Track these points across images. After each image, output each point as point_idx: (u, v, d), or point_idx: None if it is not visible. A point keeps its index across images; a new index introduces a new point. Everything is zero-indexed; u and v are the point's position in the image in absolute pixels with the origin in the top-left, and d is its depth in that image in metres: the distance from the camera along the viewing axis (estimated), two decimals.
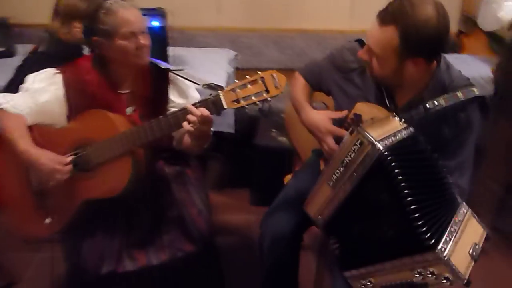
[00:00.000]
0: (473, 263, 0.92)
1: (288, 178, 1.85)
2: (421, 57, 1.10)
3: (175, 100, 1.38)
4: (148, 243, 1.32)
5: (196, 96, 1.40)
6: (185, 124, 1.13)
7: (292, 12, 2.89)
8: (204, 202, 1.45)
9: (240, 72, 2.74)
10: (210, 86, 1.23)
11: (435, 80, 1.19)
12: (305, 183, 1.42)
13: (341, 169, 1.08)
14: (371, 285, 1.06)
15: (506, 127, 1.85)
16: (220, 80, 2.01)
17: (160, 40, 1.98)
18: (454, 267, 0.89)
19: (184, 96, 1.39)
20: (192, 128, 1.12)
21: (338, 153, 1.11)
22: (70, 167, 1.24)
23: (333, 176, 1.11)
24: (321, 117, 1.32)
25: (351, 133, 1.08)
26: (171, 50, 2.11)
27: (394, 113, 1.18)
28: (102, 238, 1.28)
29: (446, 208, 1.00)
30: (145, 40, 1.27)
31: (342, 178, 1.09)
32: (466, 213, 1.04)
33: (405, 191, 0.95)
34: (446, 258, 0.89)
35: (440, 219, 0.96)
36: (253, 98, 1.09)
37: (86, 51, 1.52)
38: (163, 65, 1.37)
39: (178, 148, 1.40)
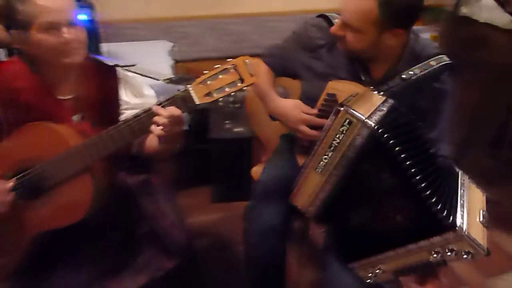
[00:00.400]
0: (486, 230, 0.89)
1: (256, 170, 1.75)
2: (400, 28, 1.06)
3: (130, 100, 1.20)
4: (121, 268, 1.14)
5: (151, 94, 1.24)
6: (153, 128, 0.97)
7: None
8: (176, 210, 1.30)
9: (179, 64, 2.56)
10: (173, 80, 1.07)
11: (408, 50, 1.17)
12: (283, 170, 1.35)
13: (330, 154, 1.02)
14: (381, 272, 1.00)
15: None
16: (166, 75, 1.83)
17: (91, 36, 1.73)
18: (475, 241, 0.85)
19: (139, 95, 1.21)
20: (162, 132, 0.97)
21: (323, 137, 1.03)
22: (11, 195, 1.02)
23: (321, 162, 1.04)
24: (290, 105, 1.25)
25: (335, 113, 1.00)
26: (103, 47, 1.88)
27: (372, 87, 1.13)
28: (66, 273, 1.08)
29: (449, 181, 0.97)
30: (71, 34, 1.04)
31: (332, 163, 1.02)
32: (465, 181, 1.01)
33: (412, 169, 0.90)
34: (466, 233, 0.85)
35: (449, 194, 0.92)
36: (226, 89, 0.96)
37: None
38: (110, 61, 1.18)
39: (139, 154, 1.23)
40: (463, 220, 0.87)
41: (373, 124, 0.95)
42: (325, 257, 1.23)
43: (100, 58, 1.18)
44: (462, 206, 0.91)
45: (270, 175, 1.38)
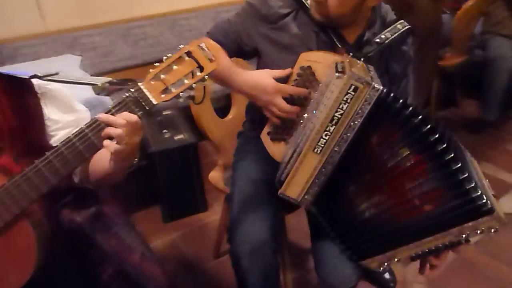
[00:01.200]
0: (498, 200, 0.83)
1: (214, 175, 1.57)
2: None
3: (59, 118, 0.95)
4: None
5: (83, 109, 1.01)
6: (107, 143, 0.78)
7: None
8: (141, 240, 1.09)
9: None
10: (114, 83, 0.88)
11: (375, 13, 1.12)
12: (257, 172, 1.20)
13: (332, 129, 0.89)
14: (396, 261, 0.91)
15: None
16: (89, 92, 1.57)
17: None
18: (503, 218, 0.79)
19: (69, 110, 0.97)
20: (119, 146, 0.78)
21: (319, 114, 0.91)
22: None
23: (321, 140, 0.91)
24: (262, 74, 1.09)
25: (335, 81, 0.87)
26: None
27: (350, 54, 1.04)
28: None
29: (464, 158, 0.88)
30: None
31: (334, 138, 0.90)
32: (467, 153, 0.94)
33: (433, 136, 0.81)
34: (500, 214, 0.79)
35: (472, 173, 0.84)
36: (186, 81, 0.81)
37: None
38: (23, 74, 0.92)
39: (84, 183, 0.99)
40: (492, 201, 0.80)
41: (381, 87, 0.85)
42: (316, 251, 1.12)
43: (7, 73, 0.91)
44: (482, 183, 0.84)
45: (245, 182, 1.20)
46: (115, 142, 0.78)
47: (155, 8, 2.56)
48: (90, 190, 1.04)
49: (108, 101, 1.58)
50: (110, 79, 0.91)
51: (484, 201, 0.78)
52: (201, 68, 0.80)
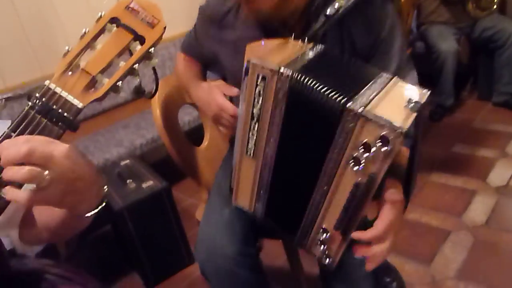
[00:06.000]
0: (414, 115, 0.67)
1: (199, 213, 1.34)
2: None
3: None
4: None
5: None
6: (14, 195, 0.48)
7: None
8: None
9: None
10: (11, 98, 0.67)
11: None
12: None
13: (255, 127, 0.79)
14: (327, 237, 0.79)
15: None
16: None
17: None
18: (380, 118, 0.64)
19: None
20: (30, 195, 0.48)
21: (241, 112, 0.81)
22: None
23: (249, 143, 0.82)
24: (213, 90, 1.03)
25: (245, 73, 0.78)
26: None
27: (293, 34, 0.91)
28: None
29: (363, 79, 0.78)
30: None
31: (262, 138, 0.80)
32: (391, 78, 0.80)
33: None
34: (364, 111, 0.65)
35: (348, 85, 0.73)
36: (121, 64, 0.57)
37: None
38: None
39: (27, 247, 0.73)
40: (364, 100, 0.68)
41: (290, 72, 0.73)
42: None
43: None
44: (366, 94, 0.71)
45: (215, 195, 1.11)
46: (23, 193, 0.48)
47: None
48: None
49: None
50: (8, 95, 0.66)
51: (334, 98, 0.68)
52: (141, 39, 0.57)
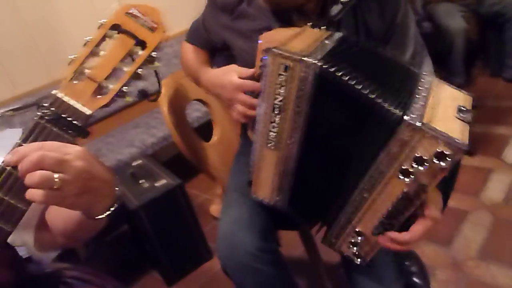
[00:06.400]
0: (468, 127, 0.66)
1: (216, 208, 1.36)
2: None
3: None
4: None
5: None
6: (31, 194, 0.50)
7: None
8: None
9: None
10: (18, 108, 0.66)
11: None
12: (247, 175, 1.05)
13: (277, 119, 0.77)
14: (363, 239, 0.77)
15: None
16: None
17: None
18: (441, 133, 0.62)
19: None
20: (52, 194, 0.50)
21: (262, 103, 0.79)
22: None
23: (270, 134, 0.80)
24: (227, 71, 0.97)
25: (263, 67, 0.76)
26: None
27: (310, 23, 0.91)
28: None
29: (406, 83, 0.77)
30: None
31: (284, 130, 0.78)
32: (429, 80, 0.79)
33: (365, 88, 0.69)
34: (422, 124, 0.63)
35: (399, 92, 0.71)
36: (125, 69, 0.58)
37: None
38: None
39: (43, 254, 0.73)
40: (420, 113, 0.65)
41: (315, 61, 0.71)
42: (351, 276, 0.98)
43: None
44: (420, 101, 0.69)
45: (233, 189, 1.08)
46: (44, 191, 0.49)
47: None
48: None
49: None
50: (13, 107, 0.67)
51: (389, 109, 0.66)
52: (143, 44, 0.58)
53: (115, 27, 0.57)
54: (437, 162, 0.62)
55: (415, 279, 1.38)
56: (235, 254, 0.96)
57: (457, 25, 2.45)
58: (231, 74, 0.94)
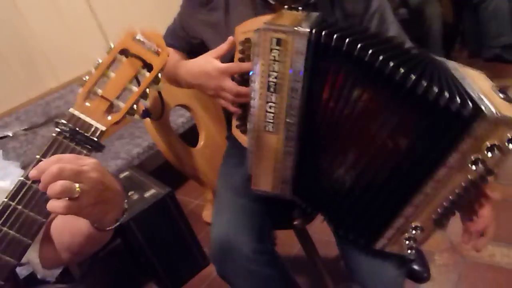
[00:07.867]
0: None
1: (208, 214, 1.33)
2: None
3: None
4: None
5: (17, 172, 0.77)
6: (52, 205, 0.54)
7: None
8: None
9: None
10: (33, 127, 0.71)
11: None
12: (237, 176, 1.04)
13: (273, 98, 0.75)
14: (419, 232, 0.74)
15: None
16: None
17: None
18: (506, 118, 0.60)
19: None
20: (71, 205, 0.54)
21: (255, 83, 0.76)
22: None
23: (267, 115, 0.77)
24: (205, 58, 0.93)
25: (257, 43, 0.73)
26: None
27: (286, 7, 0.90)
28: None
29: (435, 66, 0.74)
30: None
31: (282, 109, 0.75)
32: (454, 63, 0.78)
33: (381, 60, 0.66)
34: (499, 114, 0.61)
35: (446, 79, 0.69)
36: (134, 89, 0.64)
37: None
38: None
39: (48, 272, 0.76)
40: (484, 102, 0.62)
41: (308, 29, 0.70)
42: (348, 258, 0.95)
43: None
44: (471, 88, 0.66)
45: (224, 192, 1.05)
46: (65, 203, 0.53)
47: (70, 74, 2.29)
48: None
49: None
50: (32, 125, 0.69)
51: (459, 103, 0.62)
52: (149, 67, 0.64)
53: (123, 52, 0.62)
54: (510, 146, 0.62)
55: (415, 266, 1.38)
56: (230, 258, 0.94)
57: (433, 10, 2.47)
58: (212, 60, 0.91)
